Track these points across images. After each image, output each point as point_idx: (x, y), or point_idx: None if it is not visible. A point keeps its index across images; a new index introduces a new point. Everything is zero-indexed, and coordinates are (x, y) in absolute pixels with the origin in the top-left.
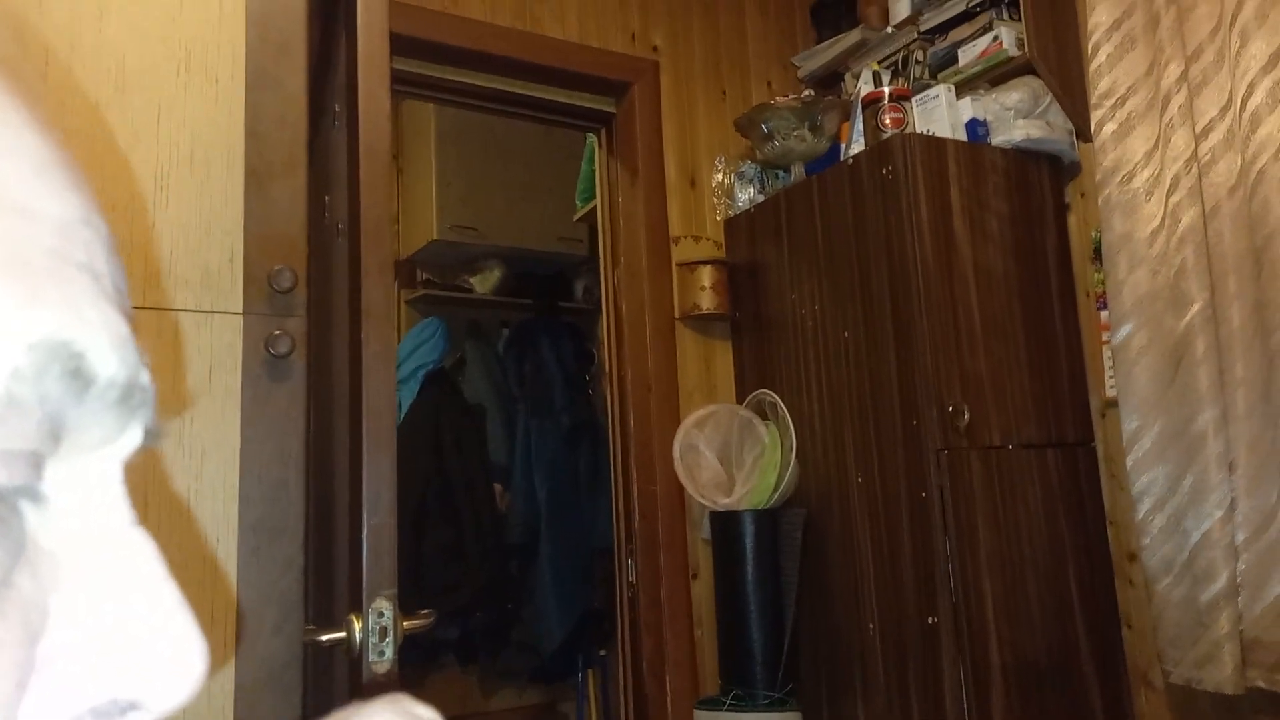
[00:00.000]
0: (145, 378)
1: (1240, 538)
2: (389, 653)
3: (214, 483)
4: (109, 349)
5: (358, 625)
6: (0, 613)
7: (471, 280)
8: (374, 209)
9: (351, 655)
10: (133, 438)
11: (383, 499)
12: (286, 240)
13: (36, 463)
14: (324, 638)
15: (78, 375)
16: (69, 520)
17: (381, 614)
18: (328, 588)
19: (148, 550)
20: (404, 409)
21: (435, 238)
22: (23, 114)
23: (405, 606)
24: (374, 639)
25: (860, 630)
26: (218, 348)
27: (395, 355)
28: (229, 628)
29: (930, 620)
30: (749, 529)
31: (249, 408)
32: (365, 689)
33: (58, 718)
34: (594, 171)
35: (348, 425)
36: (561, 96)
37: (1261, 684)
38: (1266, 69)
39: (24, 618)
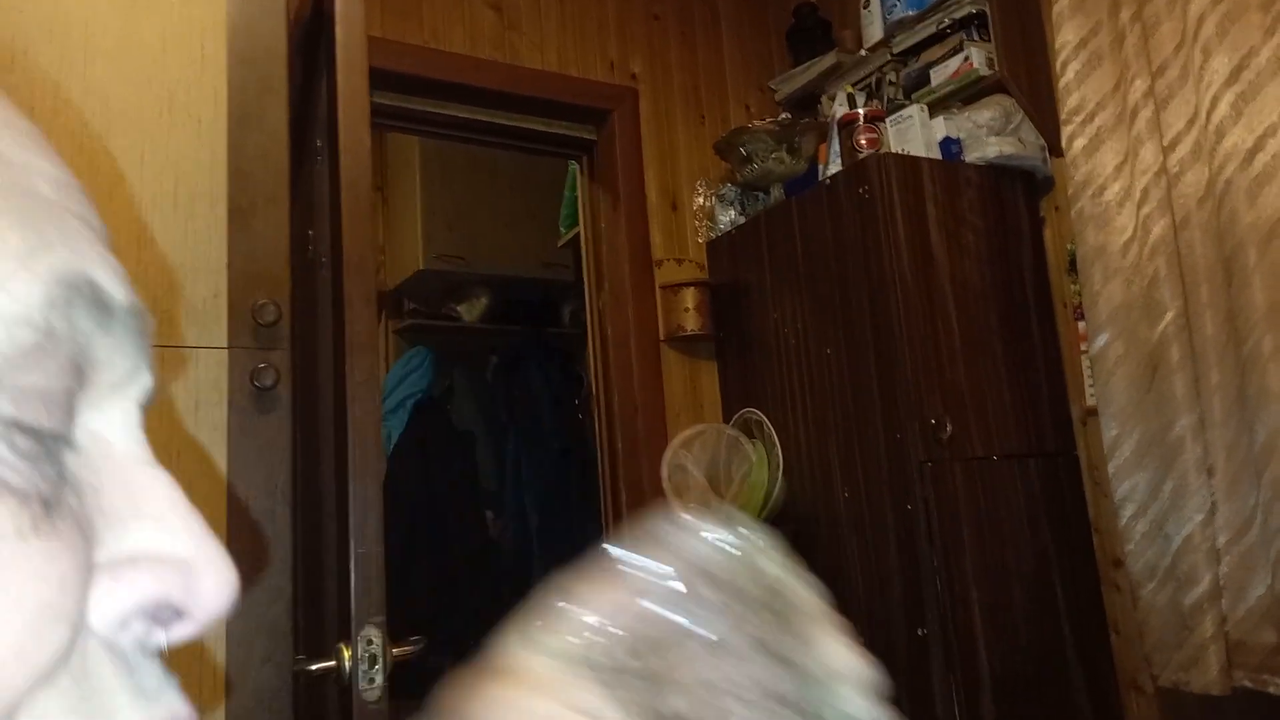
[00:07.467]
0: (147, 311)
1: (1221, 541)
2: (379, 680)
3: (201, 514)
4: (118, 282)
5: (347, 654)
6: (57, 528)
7: (459, 309)
8: (356, 242)
9: (341, 684)
10: (146, 380)
11: (369, 527)
12: (270, 274)
13: (69, 404)
14: (314, 667)
15: (99, 304)
16: (101, 460)
17: (370, 641)
18: (318, 617)
19: (172, 483)
20: (394, 439)
21: (421, 267)
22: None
23: (397, 635)
24: (364, 667)
25: None
26: (204, 382)
27: (379, 385)
28: (219, 657)
29: (919, 631)
30: None
31: (236, 439)
32: (356, 718)
33: (115, 611)
34: (576, 198)
35: (334, 455)
36: (542, 125)
37: (1248, 683)
38: (1229, 82)
39: (79, 528)
